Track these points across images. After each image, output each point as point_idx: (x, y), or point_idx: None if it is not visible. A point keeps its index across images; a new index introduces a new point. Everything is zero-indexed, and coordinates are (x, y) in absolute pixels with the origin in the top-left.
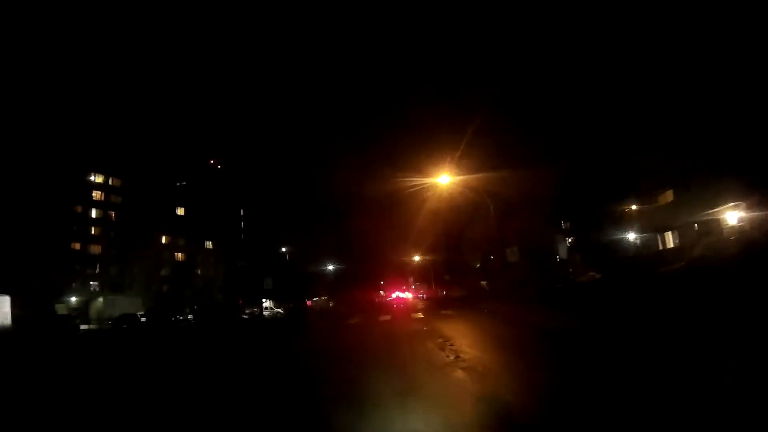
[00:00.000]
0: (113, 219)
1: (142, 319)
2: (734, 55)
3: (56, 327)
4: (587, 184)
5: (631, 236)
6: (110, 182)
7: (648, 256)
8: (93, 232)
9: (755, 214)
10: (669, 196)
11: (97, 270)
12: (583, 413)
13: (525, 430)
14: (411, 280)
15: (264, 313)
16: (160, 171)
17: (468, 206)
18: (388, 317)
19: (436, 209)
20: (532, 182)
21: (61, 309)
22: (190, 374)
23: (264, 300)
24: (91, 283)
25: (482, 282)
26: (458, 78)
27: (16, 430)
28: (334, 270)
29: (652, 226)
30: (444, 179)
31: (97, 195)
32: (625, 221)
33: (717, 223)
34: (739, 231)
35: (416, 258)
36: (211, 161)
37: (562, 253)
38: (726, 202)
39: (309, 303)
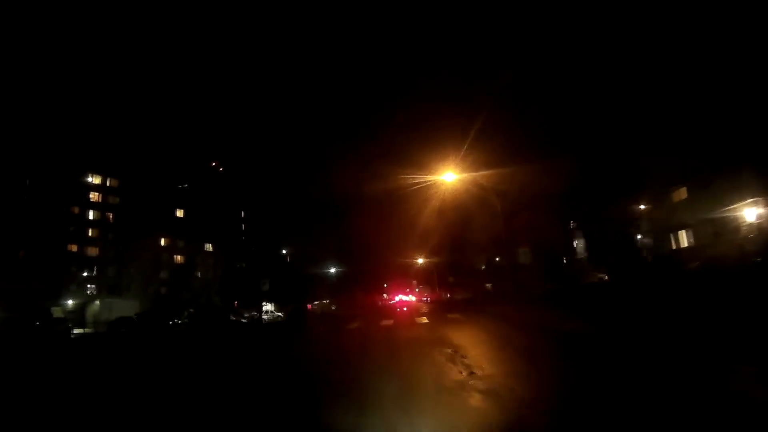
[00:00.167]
0: (111, 221)
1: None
2: (749, 50)
3: (45, 330)
4: (597, 182)
5: (643, 235)
6: (108, 183)
7: (661, 255)
8: (90, 233)
9: None
10: (682, 193)
11: (95, 272)
12: None
13: None
14: (414, 282)
15: (264, 316)
16: (158, 172)
17: (473, 205)
18: (390, 322)
19: (440, 209)
20: (541, 180)
21: (57, 312)
22: (163, 390)
23: (265, 303)
24: (88, 285)
25: (487, 285)
26: (463, 72)
27: None
28: (336, 272)
29: (665, 225)
30: (449, 176)
31: (94, 196)
32: (636, 220)
33: (734, 220)
34: (758, 228)
35: (420, 260)
36: (213, 163)
37: (571, 253)
38: (743, 199)
39: (309, 306)
